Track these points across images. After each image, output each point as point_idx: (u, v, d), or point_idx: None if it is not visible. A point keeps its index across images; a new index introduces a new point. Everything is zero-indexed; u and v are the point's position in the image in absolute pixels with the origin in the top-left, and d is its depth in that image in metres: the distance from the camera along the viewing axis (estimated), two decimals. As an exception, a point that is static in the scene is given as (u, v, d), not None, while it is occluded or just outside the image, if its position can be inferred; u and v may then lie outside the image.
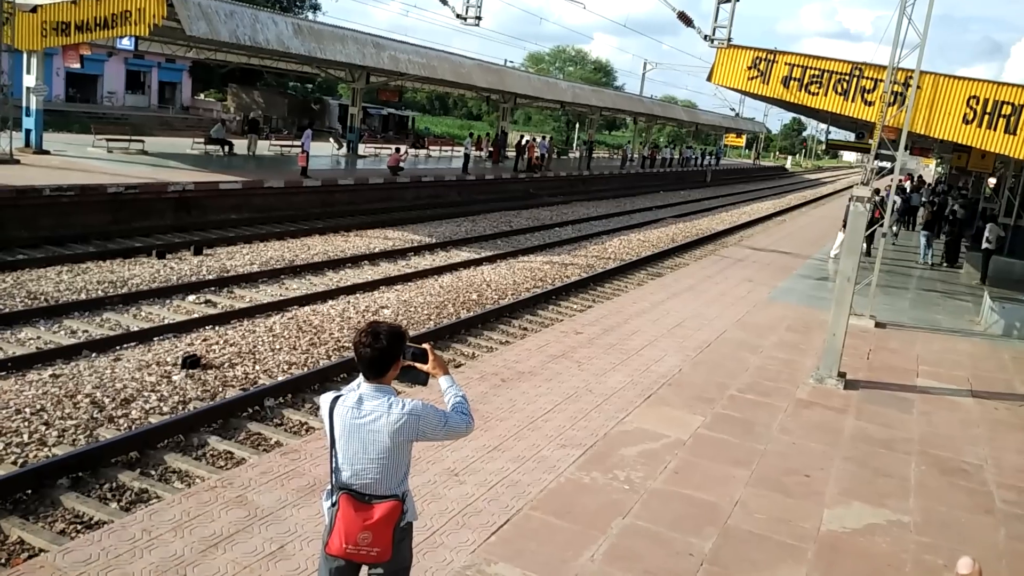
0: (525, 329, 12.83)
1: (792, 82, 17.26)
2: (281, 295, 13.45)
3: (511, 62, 50.98)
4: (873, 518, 6.33)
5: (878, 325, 13.01)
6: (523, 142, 39.07)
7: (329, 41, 25.81)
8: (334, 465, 3.36)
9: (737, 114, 69.08)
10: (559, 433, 7.28)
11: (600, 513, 5.88)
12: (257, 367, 9.91)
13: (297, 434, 8.11)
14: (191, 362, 9.55)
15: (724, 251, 21.61)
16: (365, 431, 3.29)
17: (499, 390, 8.29)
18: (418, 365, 3.51)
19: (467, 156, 33.37)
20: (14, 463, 6.94)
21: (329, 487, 3.42)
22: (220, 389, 9.09)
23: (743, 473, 6.87)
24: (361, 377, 3.39)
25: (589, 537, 5.52)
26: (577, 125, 72.66)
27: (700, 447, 7.34)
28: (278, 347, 10.67)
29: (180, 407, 8.49)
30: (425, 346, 3.53)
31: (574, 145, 65.98)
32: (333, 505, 3.36)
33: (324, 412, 3.37)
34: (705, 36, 16.13)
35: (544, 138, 45.05)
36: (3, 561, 5.62)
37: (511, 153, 41.44)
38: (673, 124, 74.26)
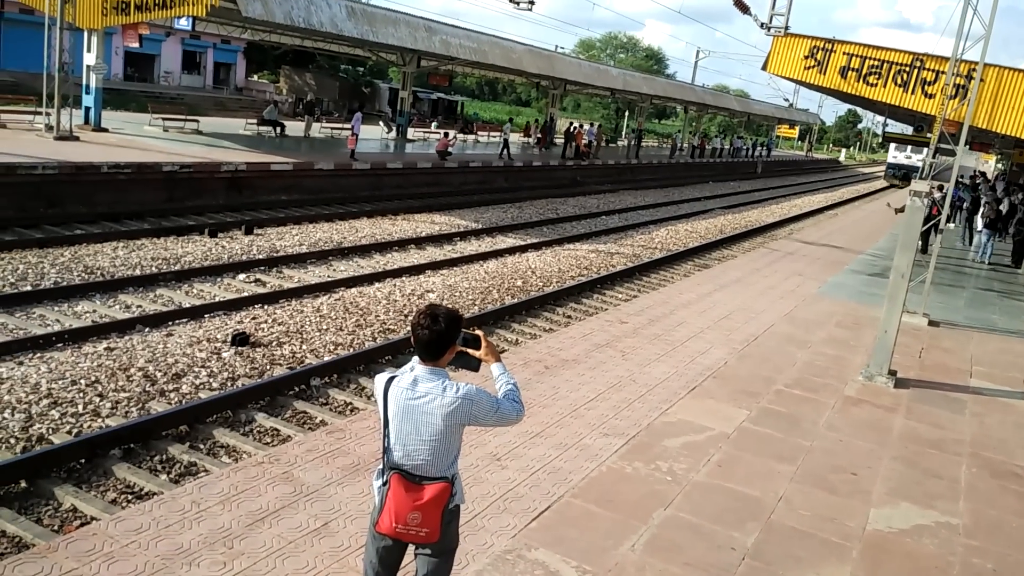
0: (569, 317, 12.81)
1: (850, 72, 16.90)
2: (329, 276, 13.61)
3: (562, 48, 50.69)
4: (921, 519, 6.21)
5: (931, 323, 12.71)
6: (571, 129, 38.88)
7: (381, 24, 25.95)
8: (386, 444, 3.39)
9: (791, 104, 67.91)
10: (602, 422, 7.27)
11: (641, 503, 5.86)
12: (304, 346, 10.05)
13: (342, 414, 8.22)
14: (240, 339, 9.71)
15: (773, 244, 21.29)
16: (419, 412, 3.32)
17: (542, 377, 8.29)
18: (470, 351, 3.52)
19: (506, 141, 33.24)
20: (68, 432, 7.14)
21: (380, 466, 3.45)
22: (268, 367, 9.24)
23: (788, 469, 6.79)
24: (416, 359, 3.42)
25: (630, 527, 5.51)
26: (627, 113, 72.03)
27: (744, 441, 7.27)
28: (325, 327, 10.81)
29: (229, 383, 8.65)
30: (478, 332, 3.54)
31: (623, 133, 65.45)
32: (384, 484, 3.39)
33: (379, 391, 3.40)
34: (762, 24, 15.88)
35: (592, 125, 44.74)
36: (56, 528, 5.79)
37: (559, 140, 41.30)
38: (724, 114, 73.28)
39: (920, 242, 15.05)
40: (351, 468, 5.87)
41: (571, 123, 42.26)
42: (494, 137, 44.06)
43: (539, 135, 42.69)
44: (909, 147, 53.13)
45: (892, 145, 56.20)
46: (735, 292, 13.61)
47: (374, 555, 3.52)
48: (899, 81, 16.63)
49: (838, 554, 5.53)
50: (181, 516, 5.01)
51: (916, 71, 16.46)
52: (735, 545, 5.46)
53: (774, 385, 8.91)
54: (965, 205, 25.90)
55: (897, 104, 16.86)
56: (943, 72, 14.49)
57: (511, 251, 17.59)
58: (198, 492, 5.34)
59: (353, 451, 6.15)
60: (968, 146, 16.83)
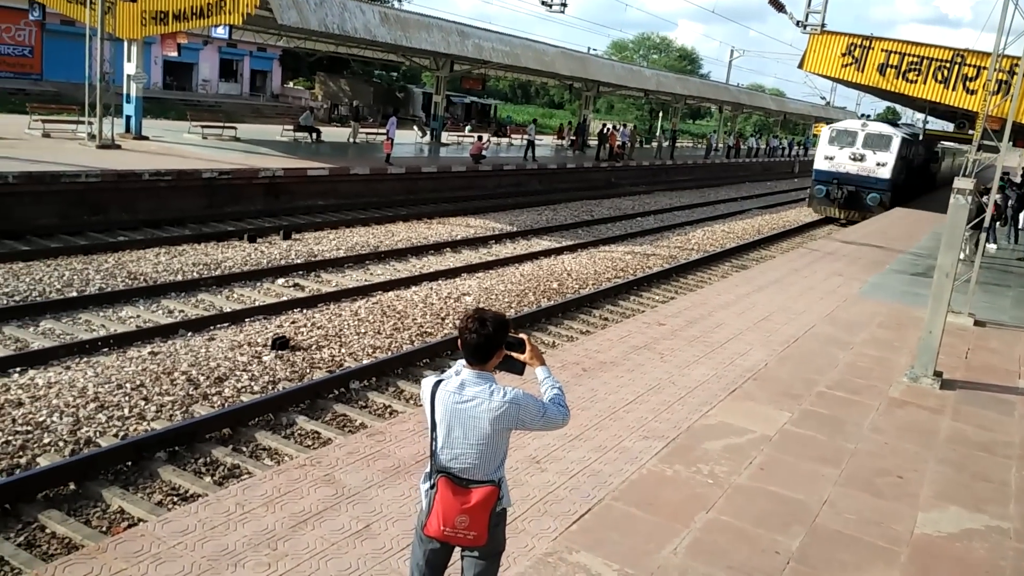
0: (606, 319, 12.76)
1: (889, 69, 16.64)
2: (366, 280, 13.72)
3: (594, 50, 50.48)
4: (971, 523, 6.08)
5: (977, 323, 12.45)
6: (605, 130, 38.75)
7: (414, 29, 26.09)
8: (434, 448, 3.40)
9: (828, 103, 66.99)
10: (641, 424, 7.22)
11: (683, 506, 5.81)
12: (343, 350, 10.13)
13: (382, 417, 8.27)
14: (280, 344, 9.82)
15: (812, 244, 21.01)
16: (466, 416, 3.33)
17: (580, 379, 8.27)
18: (515, 354, 3.52)
19: (531, 143, 33.16)
20: (115, 436, 7.28)
21: (427, 469, 3.47)
22: (308, 370, 9.33)
23: (832, 472, 6.68)
24: (461, 362, 3.43)
25: (672, 530, 5.46)
26: (660, 114, 71.67)
27: (787, 444, 7.17)
28: (363, 331, 10.88)
29: (270, 387, 8.75)
30: (522, 336, 3.54)
31: (657, 134, 65.17)
32: (432, 487, 3.40)
33: (426, 395, 3.41)
34: (797, 22, 15.70)
35: (626, 127, 44.57)
36: (104, 529, 5.90)
37: (593, 142, 41.19)
38: (760, 113, 72.51)
39: (971, 244, 14.75)
40: (392, 470, 5.90)
41: (604, 124, 42.15)
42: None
43: (572, 137, 42.63)
44: (862, 136, 27.56)
45: (826, 132, 28.97)
46: (774, 293, 13.45)
47: (421, 558, 3.53)
48: (939, 77, 16.34)
49: (885, 559, 5.43)
50: (226, 518, 5.07)
51: (957, 67, 16.17)
52: (779, 549, 5.39)
53: (816, 387, 8.79)
54: (1010, 203, 25.39)
55: (938, 101, 16.57)
56: (984, 68, 14.21)
57: (546, 253, 17.58)
58: (242, 494, 5.40)
59: (393, 453, 6.18)
60: (1012, 143, 16.46)
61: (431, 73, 37.07)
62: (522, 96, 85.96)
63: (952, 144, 34.07)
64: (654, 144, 54.51)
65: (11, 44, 39.36)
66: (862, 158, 27.37)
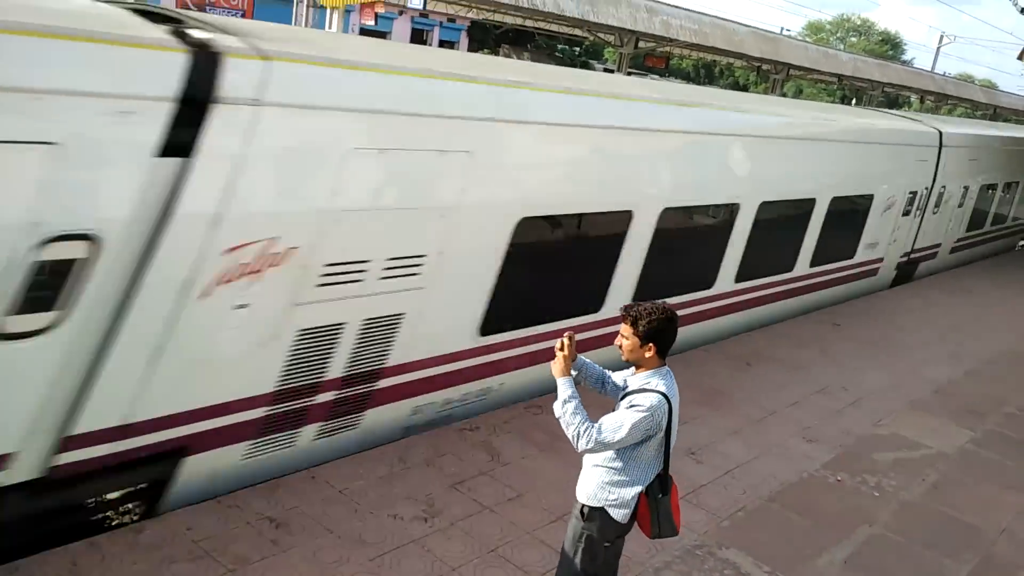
0: (776, 313, 12.29)
1: None
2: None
3: (788, 31, 48.27)
4: None
5: None
6: (791, 116, 37.04)
7: (603, 4, 25.87)
8: (667, 454, 3.49)
9: (1048, 97, 60.69)
10: (805, 427, 6.95)
11: (844, 517, 5.55)
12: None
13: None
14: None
15: (1014, 254, 19.26)
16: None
17: (743, 373, 8.04)
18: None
19: None
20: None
21: (648, 480, 3.47)
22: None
23: (1016, 499, 6.17)
24: (632, 368, 3.55)
25: (829, 539, 5.24)
26: (853, 101, 67.63)
27: (966, 464, 6.68)
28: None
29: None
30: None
31: (848, 122, 61.44)
32: (665, 495, 3.49)
33: (665, 410, 3.38)
34: (1022, 9, 14.28)
35: (815, 113, 42.30)
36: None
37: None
38: (966, 105, 66.64)
39: None
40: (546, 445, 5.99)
41: (791, 110, 40.24)
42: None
43: (755, 121, 41.01)
44: None
45: None
46: (966, 302, 12.47)
47: (613, 557, 3.66)
48: None
49: (1070, 602, 4.98)
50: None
51: None
52: (946, 574, 5.06)
53: (1005, 407, 8.11)
54: None
55: None
56: None
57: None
58: (404, 449, 5.65)
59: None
60: None
61: (614, 49, 36.72)
62: (705, 76, 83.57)
63: None
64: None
65: (226, 8, 42.55)
66: None
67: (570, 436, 3.34)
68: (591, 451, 3.37)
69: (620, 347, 3.46)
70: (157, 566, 4.07)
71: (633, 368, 3.51)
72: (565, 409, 3.33)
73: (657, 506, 3.45)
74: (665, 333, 3.41)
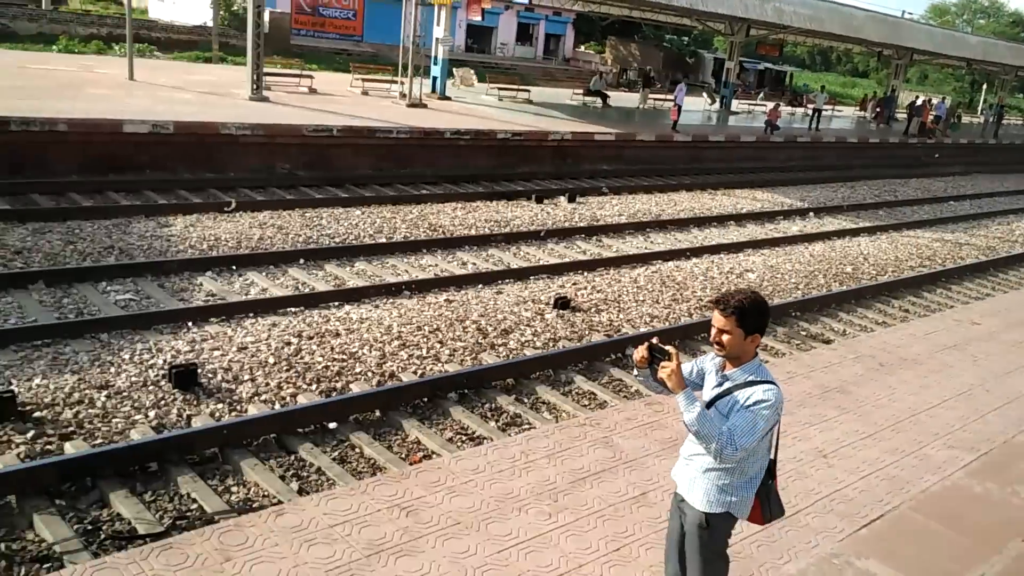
0: (907, 311, 11.68)
1: None
2: (646, 248, 13.68)
3: (909, 14, 45.87)
4: None
5: None
6: (917, 103, 35.21)
7: (713, -8, 25.29)
8: (776, 450, 3.45)
9: None
10: (946, 432, 6.54)
11: (993, 529, 5.19)
12: (621, 315, 10.21)
13: (657, 386, 8.22)
14: (562, 303, 10.10)
15: None
16: None
17: (876, 374, 7.65)
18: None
19: (817, 112, 31.46)
20: (414, 373, 7.92)
21: (760, 474, 3.40)
22: (586, 332, 9.52)
23: None
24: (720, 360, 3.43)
25: (978, 554, 4.91)
26: (984, 86, 63.72)
27: None
28: (641, 299, 10.89)
29: (551, 344, 9.05)
30: (669, 348, 3.32)
31: (979, 109, 58.04)
32: (772, 479, 3.46)
33: (782, 403, 3.29)
34: None
35: (943, 100, 40.17)
36: (403, 456, 6.46)
37: (901, 115, 37.67)
38: (1112, 87, 61.98)
39: None
40: (669, 442, 5.85)
41: (917, 97, 38.31)
42: (826, 111, 41.24)
43: (877, 109, 39.24)
44: None
45: None
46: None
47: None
48: None
49: None
50: (511, 464, 5.34)
51: None
52: (1115, 598, 4.65)
53: None
54: None
55: None
56: None
57: (840, 234, 16.42)
58: (526, 444, 5.66)
59: (671, 426, 6.13)
60: None
61: (724, 38, 35.80)
62: (821, 63, 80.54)
63: None
64: (974, 120, 48.78)
65: (339, 8, 43.77)
66: None
67: (712, 449, 3.16)
68: (735, 458, 3.23)
69: (720, 343, 3.26)
70: (296, 548, 4.18)
71: (721, 361, 3.36)
72: (701, 423, 3.15)
73: (768, 492, 3.39)
74: (766, 319, 3.28)
